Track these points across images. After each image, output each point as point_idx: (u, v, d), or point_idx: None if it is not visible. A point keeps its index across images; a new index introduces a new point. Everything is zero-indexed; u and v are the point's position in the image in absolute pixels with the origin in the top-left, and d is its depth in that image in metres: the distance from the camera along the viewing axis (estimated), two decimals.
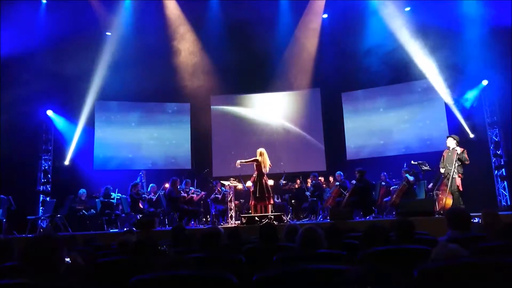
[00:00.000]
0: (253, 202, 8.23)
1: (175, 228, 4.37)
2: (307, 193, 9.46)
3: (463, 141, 9.08)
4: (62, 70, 9.74)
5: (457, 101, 9.77)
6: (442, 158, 7.38)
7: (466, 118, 9.69)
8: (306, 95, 12.07)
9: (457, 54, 8.89)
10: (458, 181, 7.05)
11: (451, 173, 7.10)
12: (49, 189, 10.60)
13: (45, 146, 10.75)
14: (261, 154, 8.21)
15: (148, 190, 9.41)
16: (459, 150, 7.18)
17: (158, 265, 1.96)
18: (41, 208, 10.17)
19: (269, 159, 8.39)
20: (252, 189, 8.25)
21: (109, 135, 11.50)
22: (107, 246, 4.59)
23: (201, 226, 8.61)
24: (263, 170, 8.16)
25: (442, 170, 7.32)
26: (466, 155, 7.15)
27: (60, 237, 1.72)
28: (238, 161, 8.28)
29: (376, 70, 9.97)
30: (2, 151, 9.04)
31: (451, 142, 7.30)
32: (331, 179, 10.21)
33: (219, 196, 9.54)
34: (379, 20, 9.94)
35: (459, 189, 7.04)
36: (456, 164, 7.12)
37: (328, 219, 8.08)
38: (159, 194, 9.36)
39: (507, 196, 9.22)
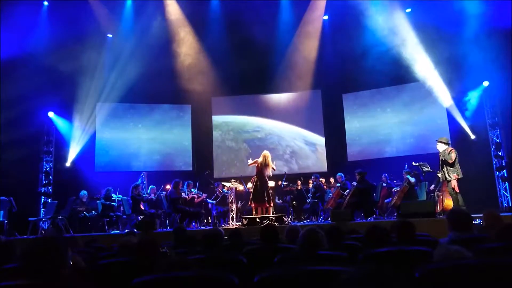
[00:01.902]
0: (251, 204, 8.32)
1: (176, 229, 4.37)
2: (309, 195, 9.47)
3: (464, 142, 9.11)
4: (63, 72, 9.77)
5: (458, 102, 9.77)
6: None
7: (467, 119, 9.68)
8: (307, 97, 12.08)
9: (458, 55, 8.89)
10: (454, 183, 7.01)
11: (445, 175, 7.10)
12: (51, 190, 10.61)
13: (46, 147, 10.77)
14: (263, 157, 8.27)
15: (148, 191, 9.42)
16: (441, 149, 7.19)
17: (160, 267, 1.96)
18: (43, 209, 10.17)
19: (274, 165, 8.46)
20: (251, 190, 8.32)
21: (110, 137, 11.52)
22: (108, 247, 4.59)
23: (202, 228, 8.61)
24: (264, 172, 8.20)
25: (439, 175, 7.33)
26: (452, 155, 7.08)
27: (64, 239, 1.73)
28: (249, 162, 8.57)
29: (377, 72, 9.97)
30: (3, 153, 9.06)
31: (441, 146, 7.31)
32: (332, 180, 10.21)
33: (217, 200, 9.53)
34: (380, 21, 9.94)
35: (455, 191, 7.02)
36: (449, 167, 7.09)
37: (329, 220, 8.09)
38: (159, 195, 9.37)
39: (508, 197, 9.21)
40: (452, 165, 7.06)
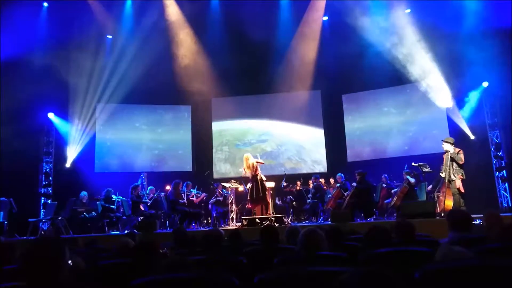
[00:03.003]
0: (248, 205, 8.36)
1: (176, 230, 4.37)
2: (309, 195, 9.47)
3: (464, 142, 9.10)
4: (63, 73, 9.77)
5: (457, 103, 9.77)
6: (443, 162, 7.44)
7: (466, 120, 9.69)
8: (307, 97, 12.06)
9: (457, 55, 8.88)
10: (458, 183, 7.05)
11: (450, 175, 7.12)
12: (50, 191, 10.60)
13: (46, 148, 10.76)
14: (244, 161, 8.42)
15: (147, 192, 9.41)
16: (452, 150, 7.23)
17: (160, 267, 1.96)
18: (43, 210, 10.17)
19: (269, 161, 8.49)
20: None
21: (110, 138, 11.52)
22: (108, 248, 4.59)
23: (202, 228, 8.61)
24: (252, 174, 8.28)
25: (442, 175, 7.34)
26: (461, 156, 7.16)
27: (64, 240, 1.73)
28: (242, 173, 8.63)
29: (376, 72, 9.99)
30: (3, 154, 9.06)
31: (447, 146, 7.35)
32: (332, 181, 10.20)
33: (221, 199, 9.55)
34: (379, 22, 9.94)
35: (460, 191, 7.04)
36: (454, 166, 7.13)
37: (329, 221, 8.08)
38: (158, 195, 9.37)
39: (508, 198, 9.20)
40: (461, 166, 7.14)
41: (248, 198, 8.38)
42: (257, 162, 8.50)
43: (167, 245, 3.87)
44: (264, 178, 8.37)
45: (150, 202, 9.12)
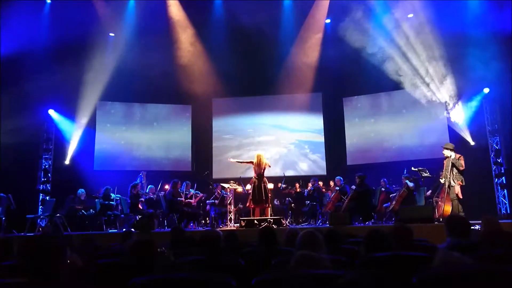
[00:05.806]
0: (250, 205, 8.34)
1: (174, 230, 4.36)
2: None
3: (464, 148, 9.11)
4: (64, 70, 9.76)
5: (458, 108, 9.77)
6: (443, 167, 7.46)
7: (467, 126, 9.69)
8: (308, 99, 12.07)
9: (458, 61, 8.90)
10: (457, 189, 7.08)
11: (450, 181, 7.14)
12: (49, 188, 10.60)
13: (45, 145, 10.75)
14: (256, 157, 8.34)
15: (147, 191, 9.41)
16: (453, 156, 7.25)
17: (158, 267, 1.97)
18: (41, 207, 10.16)
19: (269, 163, 8.49)
20: (250, 192, 8.34)
21: (110, 136, 11.52)
22: (106, 247, 4.59)
23: (200, 228, 8.61)
24: (260, 172, 8.23)
25: (442, 180, 7.36)
26: (461, 161, 7.19)
27: (64, 237, 1.73)
28: (232, 159, 8.46)
29: (378, 76, 9.99)
30: (2, 150, 9.05)
31: (448, 152, 7.37)
32: (331, 183, 10.20)
33: (217, 202, 9.52)
34: (382, 26, 9.96)
35: (458, 197, 7.05)
36: (454, 172, 7.15)
37: (327, 223, 8.08)
38: (158, 195, 9.36)
39: (507, 204, 9.20)
40: (462, 172, 7.17)
41: (251, 198, 8.34)
42: (268, 165, 8.49)
43: (165, 245, 3.86)
44: (266, 183, 8.36)
45: (144, 199, 9.09)
